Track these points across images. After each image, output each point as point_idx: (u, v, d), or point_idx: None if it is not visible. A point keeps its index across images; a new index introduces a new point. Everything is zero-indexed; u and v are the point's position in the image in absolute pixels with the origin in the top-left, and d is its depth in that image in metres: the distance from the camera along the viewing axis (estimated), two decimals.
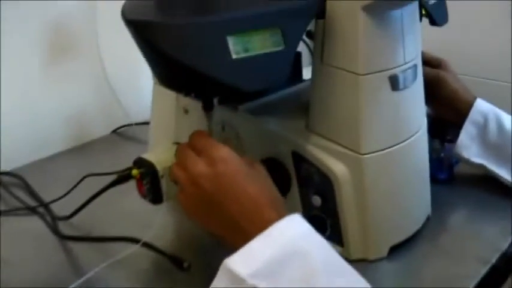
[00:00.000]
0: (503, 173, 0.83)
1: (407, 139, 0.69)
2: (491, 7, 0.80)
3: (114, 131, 1.17)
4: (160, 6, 0.59)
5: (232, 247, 0.51)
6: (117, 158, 1.02)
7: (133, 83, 1.19)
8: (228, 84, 0.55)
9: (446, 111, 0.87)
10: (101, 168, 0.88)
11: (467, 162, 0.85)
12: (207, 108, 0.62)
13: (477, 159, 0.84)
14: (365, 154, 0.65)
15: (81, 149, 1.11)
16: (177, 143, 0.73)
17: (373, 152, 0.66)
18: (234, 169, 0.55)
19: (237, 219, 0.54)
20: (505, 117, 0.83)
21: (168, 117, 0.88)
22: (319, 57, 0.66)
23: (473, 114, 0.83)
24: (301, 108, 0.73)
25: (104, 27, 1.05)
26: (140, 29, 0.55)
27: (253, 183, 0.55)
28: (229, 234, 0.55)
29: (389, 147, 0.67)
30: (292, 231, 0.51)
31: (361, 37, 0.61)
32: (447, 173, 0.90)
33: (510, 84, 1.18)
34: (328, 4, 0.63)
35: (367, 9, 0.60)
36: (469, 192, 0.87)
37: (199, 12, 0.56)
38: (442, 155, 0.89)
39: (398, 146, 0.68)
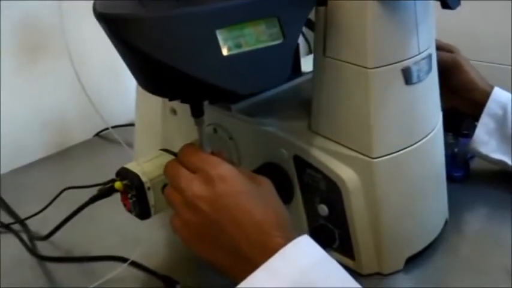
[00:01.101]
0: None
1: (423, 138, 0.61)
2: None
3: (97, 134, 1.09)
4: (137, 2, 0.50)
5: (234, 280, 0.44)
6: (101, 164, 0.96)
7: (115, 81, 1.11)
8: (219, 87, 0.47)
9: (461, 102, 0.78)
10: (83, 176, 0.81)
11: (486, 158, 0.78)
12: (197, 114, 0.54)
13: (496, 155, 0.77)
14: (377, 158, 0.58)
15: (61, 156, 1.03)
16: (165, 150, 0.65)
17: (386, 155, 0.58)
18: (236, 188, 0.48)
19: (239, 246, 0.46)
20: None
21: (154, 118, 0.80)
22: (321, 50, 0.59)
23: (491, 106, 0.75)
24: (303, 106, 0.66)
25: (73, 24, 0.97)
26: (113, 25, 0.47)
27: (258, 204, 0.48)
28: (231, 263, 0.47)
29: (403, 149, 0.59)
30: (301, 261, 0.44)
31: (369, 26, 0.54)
32: (462, 170, 0.82)
33: (510, 67, 1.13)
34: None
35: None
36: (486, 191, 0.80)
37: (182, 2, 0.47)
38: (456, 150, 0.81)
39: (413, 146, 0.60)
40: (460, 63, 0.76)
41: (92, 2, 0.50)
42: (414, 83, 0.57)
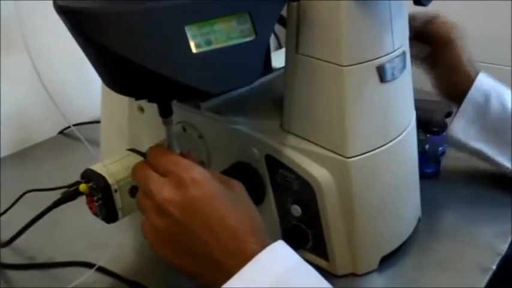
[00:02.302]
0: (502, 159, 0.75)
1: (397, 137, 0.60)
2: None
3: (61, 132, 1.05)
4: None
5: (207, 287, 0.42)
6: (65, 164, 0.92)
7: (79, 75, 1.07)
8: (189, 86, 0.44)
9: (444, 82, 0.77)
10: (46, 177, 0.78)
11: (464, 146, 0.76)
12: (165, 113, 0.51)
13: (476, 144, 0.75)
14: (351, 157, 0.57)
15: (23, 155, 0.98)
16: (133, 150, 0.63)
17: (361, 155, 0.57)
18: (209, 192, 0.46)
19: (213, 252, 0.44)
20: (509, 96, 0.73)
21: (121, 116, 0.78)
22: (293, 47, 0.57)
23: (474, 93, 0.72)
24: (274, 104, 0.64)
25: (32, 16, 0.92)
26: (75, 20, 0.44)
27: (232, 209, 0.46)
28: (203, 270, 0.45)
29: (378, 148, 0.58)
30: (277, 268, 0.42)
31: (344, 23, 0.52)
32: (433, 167, 0.82)
33: (510, 68, 1.12)
34: None
35: None
36: (457, 188, 0.80)
37: None
38: (427, 147, 0.81)
39: (388, 145, 0.59)
40: (453, 42, 0.74)
41: None
42: (389, 81, 0.56)
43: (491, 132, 0.74)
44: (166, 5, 0.43)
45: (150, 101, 0.50)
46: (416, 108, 0.67)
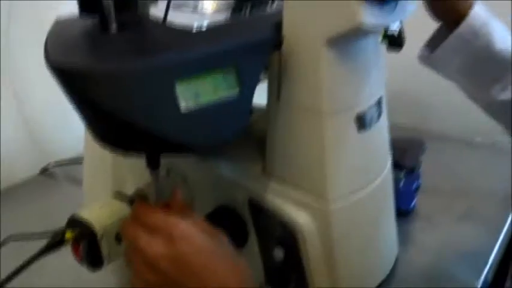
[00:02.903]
0: (478, 95, 0.75)
1: (375, 180, 0.62)
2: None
3: (43, 172, 1.04)
4: (92, 46, 0.49)
5: None
6: (47, 205, 0.91)
7: (62, 112, 1.06)
8: (178, 141, 0.46)
9: (444, 12, 0.71)
10: (27, 221, 0.77)
11: (444, 76, 0.75)
12: (153, 166, 0.53)
13: (454, 75, 0.74)
14: (332, 202, 0.58)
15: (3, 195, 0.97)
16: (118, 193, 0.64)
17: (340, 199, 0.59)
18: (197, 247, 0.47)
19: None
20: (498, 35, 0.70)
21: (104, 156, 0.78)
22: (275, 94, 0.59)
23: (463, 29, 0.69)
24: (256, 146, 0.66)
25: (16, 54, 0.93)
26: (69, 78, 0.45)
27: (220, 261, 0.48)
28: None
29: (357, 192, 0.60)
30: None
31: (324, 73, 0.54)
32: (409, 203, 0.85)
33: None
34: (286, 33, 0.55)
35: (331, 42, 0.52)
36: (432, 223, 0.82)
37: (140, 54, 0.47)
38: (402, 184, 0.84)
39: (366, 189, 0.61)
40: None
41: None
42: (366, 128, 0.59)
43: (471, 68, 0.73)
44: (157, 64, 0.45)
45: (137, 153, 0.51)
46: (391, 147, 0.70)
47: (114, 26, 0.57)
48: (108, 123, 0.47)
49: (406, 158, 0.82)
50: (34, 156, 1.00)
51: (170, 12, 0.69)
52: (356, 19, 0.49)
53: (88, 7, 0.58)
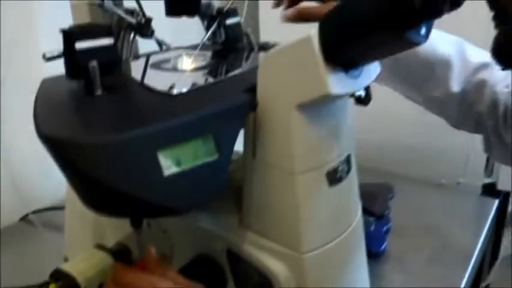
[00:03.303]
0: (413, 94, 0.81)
1: (347, 229, 0.66)
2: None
3: (23, 218, 1.05)
4: (78, 112, 0.53)
5: None
6: (28, 253, 0.93)
7: (43, 160, 1.08)
8: (160, 205, 0.49)
9: None
10: (7, 270, 0.78)
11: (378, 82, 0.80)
12: (136, 225, 0.56)
13: (386, 81, 0.81)
14: (305, 253, 0.62)
15: None
16: (100, 246, 0.66)
17: (314, 250, 0.63)
18: None
19: None
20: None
21: (85, 209, 0.80)
22: (250, 152, 0.63)
23: None
24: (234, 196, 0.69)
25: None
26: (60, 148, 0.48)
27: None
28: None
29: (329, 242, 0.64)
30: None
31: (295, 135, 0.58)
32: (380, 246, 0.89)
33: None
34: (260, 96, 0.59)
35: (302, 106, 0.57)
36: (403, 265, 0.86)
37: (124, 123, 0.50)
38: (373, 228, 0.88)
39: (338, 239, 0.65)
40: None
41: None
42: (336, 184, 0.63)
43: (399, 72, 0.79)
44: (140, 134, 0.48)
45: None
46: (361, 194, 0.74)
47: (99, 90, 0.60)
48: (93, 189, 0.50)
49: (375, 205, 0.87)
50: (15, 204, 1.01)
51: (151, 71, 0.73)
52: (323, 89, 0.53)
53: (74, 72, 0.61)
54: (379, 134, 1.33)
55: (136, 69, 0.74)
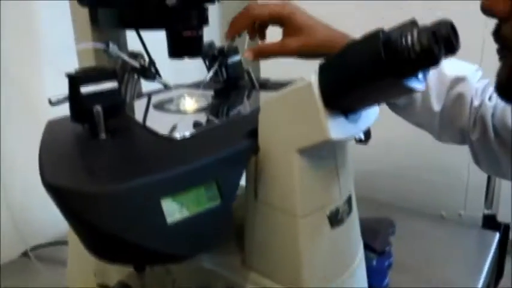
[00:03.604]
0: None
1: (348, 268, 0.67)
2: None
3: (25, 254, 1.04)
4: (83, 158, 0.53)
5: None
6: None
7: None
8: (164, 253, 0.50)
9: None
10: None
11: None
12: (139, 270, 0.56)
13: None
14: None
15: None
16: (102, 286, 0.67)
17: None
18: None
19: None
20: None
21: None
22: (252, 193, 0.64)
23: None
24: (236, 236, 0.70)
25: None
26: (64, 197, 0.49)
27: None
28: None
29: (331, 282, 0.64)
30: None
31: (297, 178, 0.59)
32: (381, 281, 0.89)
33: None
34: (261, 140, 0.60)
35: (302, 150, 0.58)
36: None
37: (128, 172, 0.51)
38: (375, 263, 0.88)
39: (340, 279, 0.65)
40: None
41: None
42: (338, 225, 0.63)
43: None
44: (144, 183, 0.49)
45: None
46: (362, 229, 0.75)
47: (103, 134, 0.62)
48: (96, 237, 0.51)
49: (377, 240, 0.87)
50: (15, 239, 1.02)
51: (154, 112, 0.74)
52: (324, 134, 0.54)
53: (79, 116, 0.63)
54: (377, 164, 1.34)
55: (139, 109, 0.76)
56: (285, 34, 0.77)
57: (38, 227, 1.03)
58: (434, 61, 0.49)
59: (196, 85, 0.90)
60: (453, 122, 0.85)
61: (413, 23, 0.51)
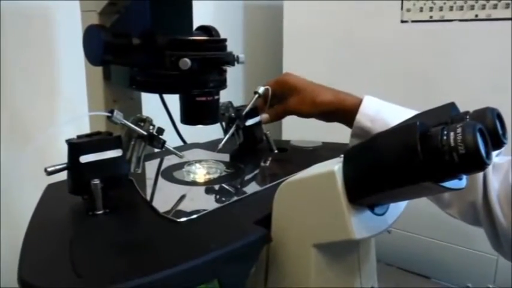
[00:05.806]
0: None
1: None
2: None
3: None
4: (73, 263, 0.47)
5: None
6: None
7: None
8: None
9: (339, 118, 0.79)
10: None
11: None
12: None
13: None
14: None
15: None
16: None
17: None
18: None
19: None
20: (393, 115, 0.72)
21: None
22: (261, 281, 0.57)
23: (359, 118, 0.74)
24: None
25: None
26: None
27: None
28: None
29: None
30: None
31: (312, 274, 0.53)
32: None
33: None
34: (274, 228, 0.54)
35: (320, 246, 0.51)
36: None
37: (119, 274, 0.45)
38: None
39: None
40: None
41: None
42: None
43: None
44: (140, 284, 0.43)
45: None
46: None
47: (101, 209, 0.56)
48: None
49: None
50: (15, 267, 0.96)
51: (161, 181, 0.68)
52: (347, 234, 0.48)
53: (77, 188, 0.57)
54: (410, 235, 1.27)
55: (146, 176, 0.70)
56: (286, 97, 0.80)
57: None
58: (481, 166, 0.41)
59: (212, 144, 0.84)
60: (465, 197, 0.75)
61: (459, 117, 0.44)
